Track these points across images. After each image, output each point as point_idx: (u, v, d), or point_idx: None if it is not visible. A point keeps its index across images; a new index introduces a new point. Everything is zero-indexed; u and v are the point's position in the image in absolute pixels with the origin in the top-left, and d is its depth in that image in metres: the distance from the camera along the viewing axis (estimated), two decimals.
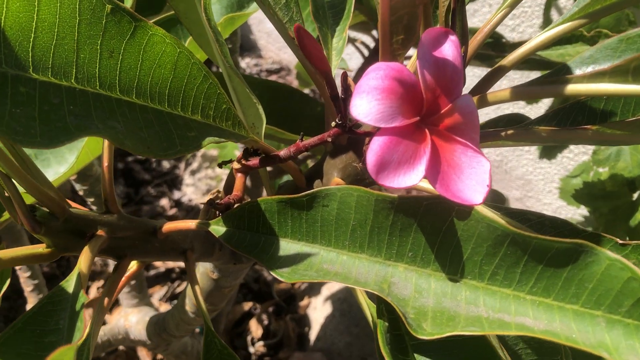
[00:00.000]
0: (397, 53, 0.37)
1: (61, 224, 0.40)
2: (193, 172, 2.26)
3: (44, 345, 0.31)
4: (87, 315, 0.31)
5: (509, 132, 0.45)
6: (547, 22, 1.29)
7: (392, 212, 0.36)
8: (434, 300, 0.36)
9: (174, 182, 2.32)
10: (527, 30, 1.83)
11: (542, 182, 2.28)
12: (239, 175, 0.47)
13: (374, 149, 0.33)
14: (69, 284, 0.34)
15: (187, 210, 2.15)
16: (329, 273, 0.38)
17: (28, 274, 1.11)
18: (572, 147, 2.03)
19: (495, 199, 1.95)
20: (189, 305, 0.69)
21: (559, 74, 0.38)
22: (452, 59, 0.36)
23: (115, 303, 1.45)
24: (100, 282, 1.58)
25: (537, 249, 0.33)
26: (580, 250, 0.32)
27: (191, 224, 0.44)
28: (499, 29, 2.07)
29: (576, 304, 0.33)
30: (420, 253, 0.36)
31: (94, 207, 0.87)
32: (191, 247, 0.51)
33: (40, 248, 0.40)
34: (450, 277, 0.36)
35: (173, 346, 1.01)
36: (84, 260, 0.37)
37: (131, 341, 0.91)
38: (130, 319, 0.91)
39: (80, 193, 0.83)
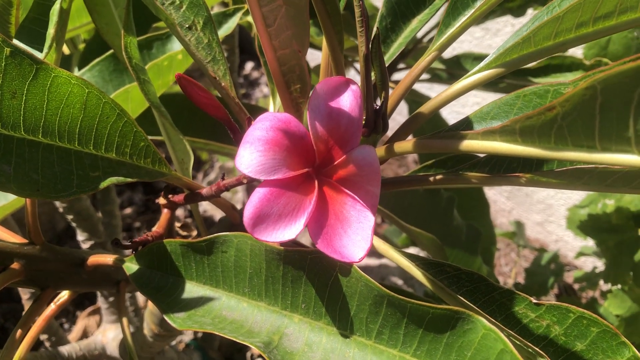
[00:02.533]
0: (298, 102, 0.36)
1: None
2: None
3: None
4: None
5: (438, 177, 0.44)
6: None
7: (282, 264, 0.36)
8: (321, 355, 0.35)
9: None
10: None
11: (563, 207, 2.22)
12: (164, 211, 0.47)
13: (253, 202, 0.32)
14: None
15: None
16: (225, 320, 0.37)
17: None
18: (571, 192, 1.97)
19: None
20: (147, 329, 0.69)
21: (462, 127, 0.37)
22: (349, 109, 0.35)
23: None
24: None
25: (413, 313, 0.32)
26: (457, 317, 0.31)
27: (109, 259, 0.44)
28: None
29: None
30: (312, 305, 0.36)
31: (73, 224, 0.88)
32: (125, 278, 0.51)
33: None
34: (340, 332, 0.35)
35: None
36: None
37: (107, 357, 0.92)
38: (107, 335, 0.92)
39: (60, 210, 0.85)
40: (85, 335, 1.53)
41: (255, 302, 0.37)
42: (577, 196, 2.15)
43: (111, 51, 0.68)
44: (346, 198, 0.34)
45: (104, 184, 0.38)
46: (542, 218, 2.32)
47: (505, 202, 2.42)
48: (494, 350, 0.30)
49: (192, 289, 0.40)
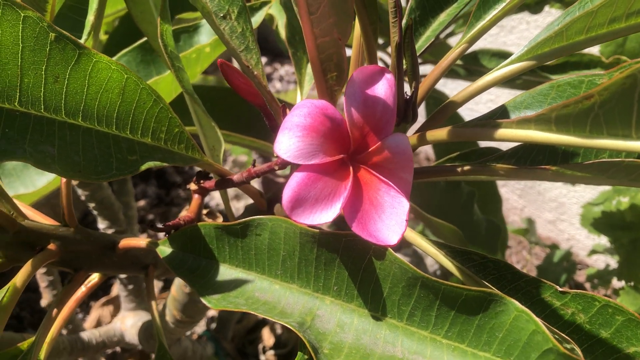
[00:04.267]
0: (333, 89, 0.37)
1: (11, 236, 0.41)
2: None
3: None
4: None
5: (465, 168, 0.45)
6: None
7: (316, 246, 0.37)
8: (353, 336, 0.36)
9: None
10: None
11: (575, 205, 2.22)
12: (195, 197, 0.48)
13: (291, 185, 0.33)
14: None
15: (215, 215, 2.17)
16: (258, 301, 0.38)
17: (44, 270, 1.15)
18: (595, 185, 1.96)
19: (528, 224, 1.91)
20: (169, 316, 0.70)
21: (495, 116, 0.37)
22: (384, 97, 0.36)
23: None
24: None
25: (447, 295, 0.33)
26: (490, 299, 0.32)
27: (142, 242, 0.45)
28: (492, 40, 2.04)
29: (488, 352, 0.33)
30: (344, 288, 0.37)
31: (94, 212, 0.89)
32: (154, 262, 0.52)
33: None
34: (372, 314, 0.36)
35: (172, 351, 1.02)
36: (21, 274, 0.38)
37: (126, 344, 0.93)
38: (126, 322, 0.93)
39: (83, 198, 0.86)
40: (99, 324, 1.55)
41: (287, 284, 0.38)
42: (589, 195, 2.15)
43: (138, 42, 0.69)
44: (380, 184, 0.35)
45: (142, 167, 0.39)
46: (554, 216, 2.32)
47: (517, 200, 2.42)
48: (525, 332, 0.31)
49: (224, 271, 0.41)
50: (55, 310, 0.43)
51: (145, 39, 0.69)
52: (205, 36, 0.70)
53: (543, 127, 0.32)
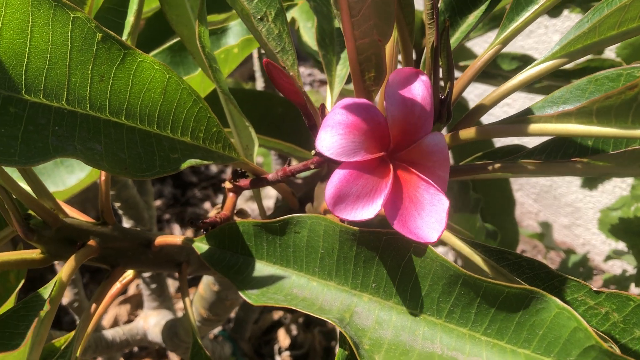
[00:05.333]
0: (370, 89, 0.38)
1: (53, 232, 0.42)
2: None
3: (10, 347, 0.34)
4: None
5: (497, 165, 0.45)
6: None
7: (355, 244, 0.37)
8: (392, 332, 0.36)
9: (220, 186, 2.38)
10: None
11: (591, 210, 2.21)
12: (230, 195, 0.49)
13: (334, 181, 0.34)
14: (46, 291, 0.37)
15: None
16: (297, 298, 0.39)
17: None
18: (626, 177, 1.96)
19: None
20: (195, 314, 0.71)
21: (531, 112, 0.38)
22: (421, 98, 0.36)
23: (140, 305, 1.50)
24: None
25: (488, 292, 0.33)
26: (531, 297, 0.32)
27: (178, 239, 0.46)
28: (530, 45, 2.04)
29: (528, 349, 0.33)
30: (383, 285, 0.37)
31: (120, 211, 0.91)
32: (187, 260, 0.53)
33: (34, 253, 0.43)
34: (410, 311, 0.36)
35: None
36: (66, 269, 0.39)
37: (149, 342, 0.94)
38: (149, 321, 0.94)
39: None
40: (116, 323, 1.57)
41: (325, 282, 0.39)
42: (606, 200, 2.14)
43: (167, 44, 0.70)
44: (420, 182, 0.36)
45: (184, 165, 0.40)
46: (569, 221, 2.31)
47: (532, 204, 2.41)
48: (567, 329, 0.31)
49: (262, 268, 0.41)
50: (94, 306, 0.44)
51: (174, 40, 0.70)
52: (233, 38, 0.71)
53: (584, 120, 0.32)
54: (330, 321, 0.36)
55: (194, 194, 2.32)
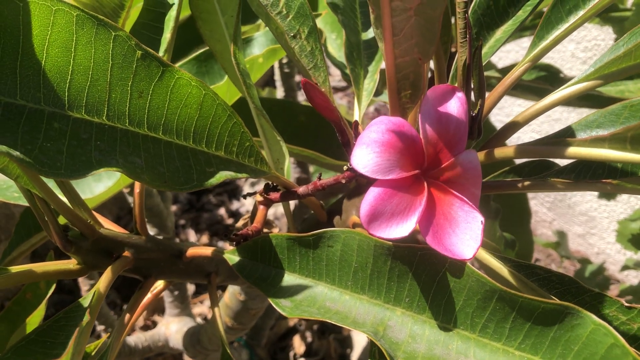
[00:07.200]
0: (406, 107, 0.39)
1: (90, 244, 0.43)
2: (253, 184, 2.33)
3: (51, 356, 0.35)
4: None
5: (526, 183, 0.46)
6: None
7: (390, 259, 0.38)
8: (425, 346, 0.37)
9: (234, 193, 2.39)
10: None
11: (606, 219, 2.20)
12: (260, 208, 0.49)
13: (369, 199, 0.35)
14: (86, 301, 0.38)
15: None
16: (330, 311, 0.40)
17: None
18: None
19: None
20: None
21: (565, 134, 0.38)
22: (457, 115, 0.37)
23: (162, 311, 1.51)
24: None
25: (524, 307, 0.34)
26: (567, 312, 0.33)
27: (209, 251, 0.47)
28: (561, 61, 2.03)
29: None
30: (417, 300, 0.38)
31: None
32: (216, 270, 0.53)
33: (71, 264, 0.44)
34: (443, 325, 0.37)
35: (213, 357, 1.04)
36: (103, 280, 0.40)
37: (170, 349, 0.95)
38: (170, 328, 0.95)
39: (132, 206, 0.88)
40: (132, 329, 1.58)
41: (358, 295, 0.40)
42: (620, 209, 2.13)
43: (193, 55, 0.71)
44: (454, 199, 0.36)
45: (220, 178, 0.41)
46: (583, 230, 2.30)
47: (546, 212, 2.40)
48: (603, 345, 0.32)
49: (294, 281, 0.42)
50: (127, 316, 0.45)
51: (200, 50, 0.71)
52: (258, 48, 0.72)
53: (617, 146, 0.33)
54: (365, 334, 0.37)
55: (209, 199, 2.34)
